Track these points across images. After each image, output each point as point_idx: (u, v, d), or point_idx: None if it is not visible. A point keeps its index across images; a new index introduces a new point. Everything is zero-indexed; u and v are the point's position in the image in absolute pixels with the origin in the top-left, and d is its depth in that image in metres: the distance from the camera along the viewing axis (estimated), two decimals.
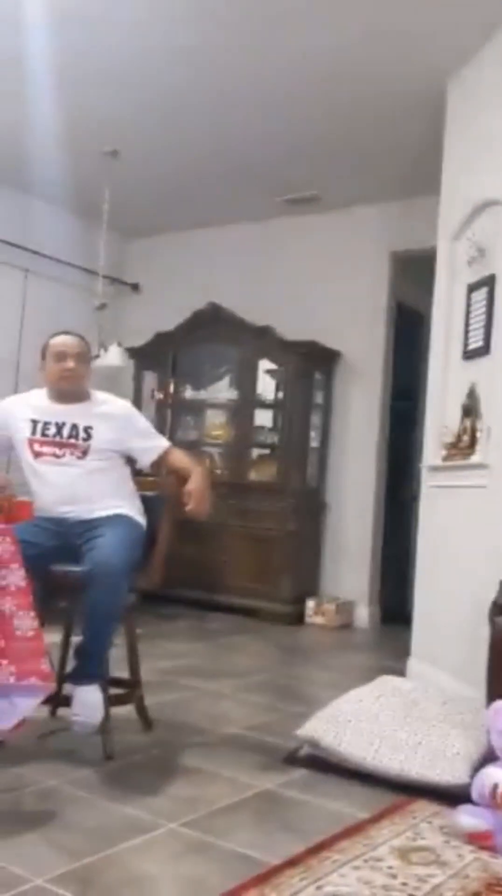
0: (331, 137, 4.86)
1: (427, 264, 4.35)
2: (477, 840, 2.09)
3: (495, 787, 2.12)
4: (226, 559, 5.79)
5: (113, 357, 5.32)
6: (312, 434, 5.97)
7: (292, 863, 1.93)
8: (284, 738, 2.88)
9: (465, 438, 3.73)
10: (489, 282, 3.61)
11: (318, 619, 5.61)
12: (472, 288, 3.79)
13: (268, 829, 2.18)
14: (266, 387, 6.09)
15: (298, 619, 5.62)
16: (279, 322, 5.86)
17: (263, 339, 5.89)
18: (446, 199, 4.19)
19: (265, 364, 6.02)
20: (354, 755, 2.54)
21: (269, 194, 5.80)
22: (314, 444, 5.99)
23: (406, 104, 4.38)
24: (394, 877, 1.91)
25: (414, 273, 5.53)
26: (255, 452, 6.12)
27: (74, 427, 2.83)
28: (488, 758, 2.28)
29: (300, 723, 2.78)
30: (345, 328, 5.91)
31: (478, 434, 3.63)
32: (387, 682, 3.12)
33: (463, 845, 2.10)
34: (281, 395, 6.01)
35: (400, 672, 3.91)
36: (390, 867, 1.96)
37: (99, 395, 2.97)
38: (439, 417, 4.01)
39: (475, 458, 3.60)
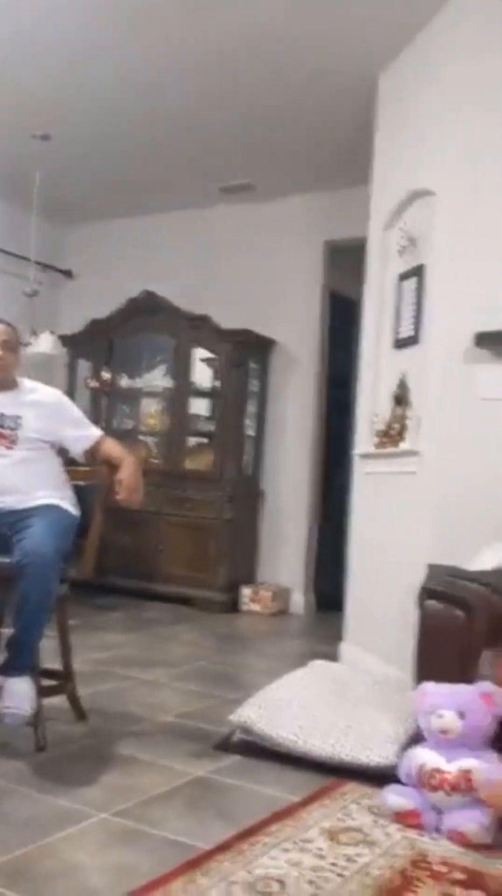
0: (263, 127, 4.86)
1: (360, 253, 4.39)
2: (405, 819, 2.14)
3: (421, 766, 2.17)
4: (162, 548, 5.79)
5: (44, 345, 5.24)
6: (248, 422, 5.99)
7: (223, 848, 1.95)
8: (219, 725, 2.89)
9: (396, 426, 3.78)
10: (418, 272, 3.67)
11: (255, 607, 5.65)
12: (403, 277, 3.84)
13: (200, 816, 2.19)
14: (202, 375, 6.07)
15: (233, 606, 5.65)
16: (214, 310, 5.84)
17: (199, 328, 5.88)
18: (377, 188, 4.23)
19: (201, 352, 6.01)
20: (286, 740, 2.57)
21: (205, 183, 5.77)
22: (250, 432, 6.01)
23: (338, 94, 4.40)
24: (323, 857, 1.94)
25: (348, 262, 5.56)
26: (191, 441, 6.11)
27: (1, 416, 2.79)
28: (415, 738, 2.34)
29: (234, 709, 2.80)
30: (281, 316, 5.94)
31: (408, 422, 3.69)
32: (319, 666, 3.16)
33: (391, 824, 2.15)
34: (217, 383, 6.01)
35: (333, 657, 3.97)
36: (320, 848, 1.99)
37: (27, 384, 2.93)
38: (370, 405, 4.07)
39: (405, 446, 3.66)
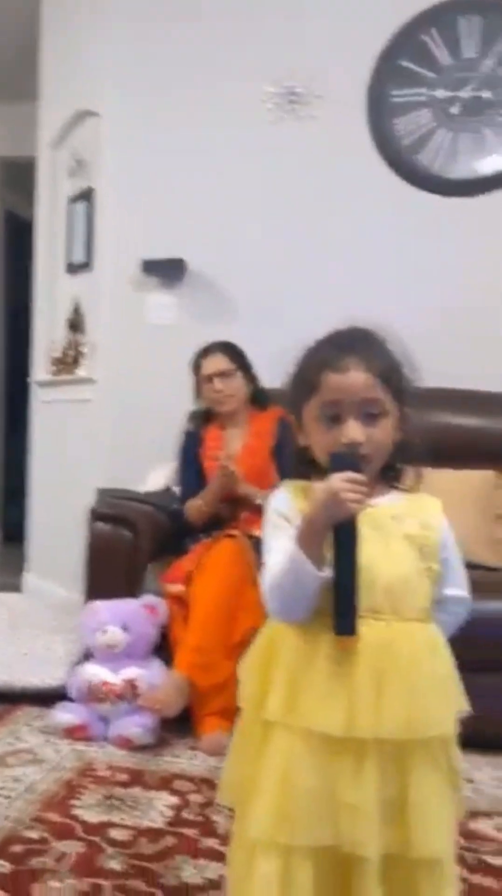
0: None
1: (34, 172, 4.21)
2: (73, 734, 2.21)
3: (89, 681, 2.25)
4: None
5: None
6: None
7: None
8: None
9: (71, 353, 3.76)
10: (88, 195, 3.62)
11: None
12: (73, 200, 3.76)
13: None
14: None
15: None
16: None
17: None
18: (45, 106, 4.05)
19: None
20: None
21: None
22: None
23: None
24: None
25: (24, 181, 5.32)
26: None
27: None
28: (85, 656, 2.40)
29: None
30: None
31: (83, 349, 3.68)
32: None
33: (61, 741, 2.20)
34: None
35: (16, 588, 3.93)
36: None
37: None
38: (47, 332, 3.99)
39: (80, 373, 3.65)
